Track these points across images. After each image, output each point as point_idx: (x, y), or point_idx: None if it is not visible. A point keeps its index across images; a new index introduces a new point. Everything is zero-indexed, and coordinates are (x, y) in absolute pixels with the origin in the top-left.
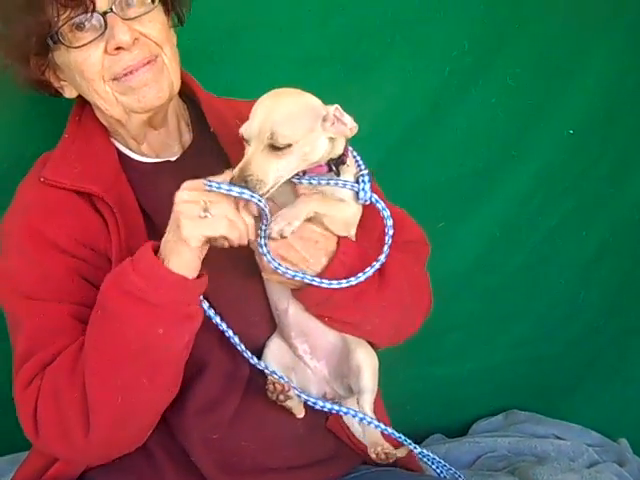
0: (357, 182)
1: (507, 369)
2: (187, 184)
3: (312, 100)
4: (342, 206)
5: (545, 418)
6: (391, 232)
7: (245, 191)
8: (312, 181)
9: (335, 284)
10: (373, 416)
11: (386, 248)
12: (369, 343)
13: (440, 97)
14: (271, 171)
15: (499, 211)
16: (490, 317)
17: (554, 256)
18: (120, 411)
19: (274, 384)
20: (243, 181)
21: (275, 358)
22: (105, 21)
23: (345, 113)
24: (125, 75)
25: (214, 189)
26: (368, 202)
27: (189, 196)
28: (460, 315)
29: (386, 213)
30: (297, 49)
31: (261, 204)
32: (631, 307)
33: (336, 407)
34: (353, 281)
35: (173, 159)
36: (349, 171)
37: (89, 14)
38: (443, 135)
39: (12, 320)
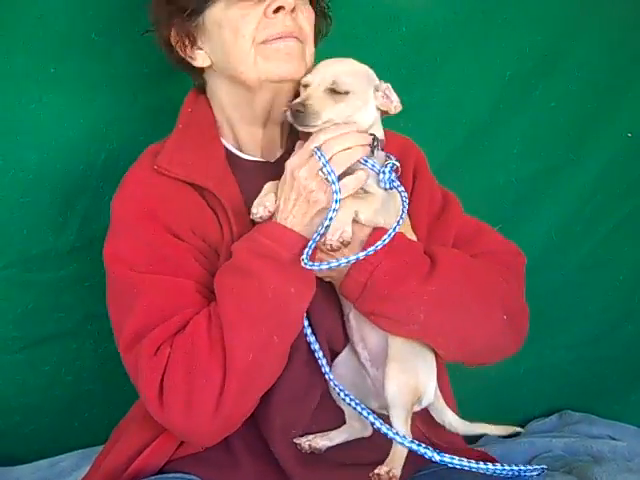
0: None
1: (562, 370)
2: (297, 159)
3: (369, 69)
4: (371, 199)
5: (599, 419)
6: (406, 209)
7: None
8: None
9: (353, 257)
10: (403, 432)
11: (398, 220)
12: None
13: (501, 101)
14: (327, 107)
15: (557, 214)
16: (546, 318)
17: (610, 258)
18: (251, 370)
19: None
20: (302, 106)
21: (343, 368)
22: None
23: (394, 92)
24: (274, 40)
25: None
26: (389, 186)
27: (307, 172)
28: None
29: (404, 195)
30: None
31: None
32: None
33: (378, 422)
34: (370, 250)
35: (272, 160)
36: (377, 160)
37: None
38: (503, 139)
39: (123, 294)
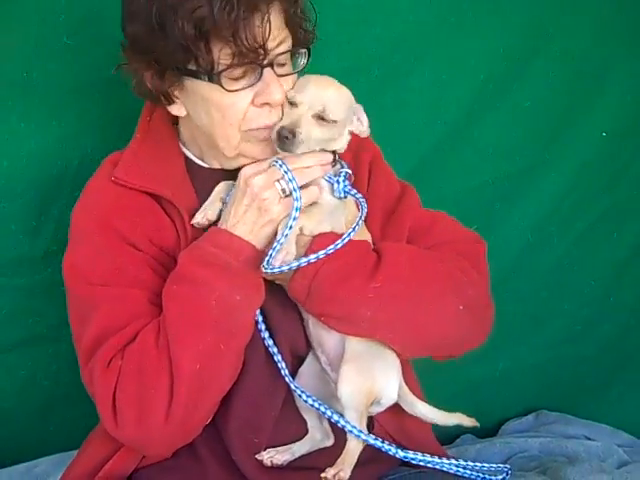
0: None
1: (538, 370)
2: (252, 169)
3: (350, 94)
4: (315, 211)
5: (575, 418)
6: (364, 214)
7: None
8: None
9: (303, 260)
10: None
11: (354, 226)
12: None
13: (475, 102)
14: (314, 135)
15: (532, 214)
16: (522, 318)
17: (586, 258)
18: (199, 378)
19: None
20: (291, 134)
21: (307, 375)
22: (261, 73)
23: (365, 115)
24: (258, 129)
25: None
26: (343, 195)
27: (264, 181)
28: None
29: (362, 201)
30: (334, 59)
31: (330, 179)
32: None
33: (336, 416)
34: (330, 249)
35: (228, 168)
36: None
37: (255, 65)
38: (478, 140)
39: (80, 307)
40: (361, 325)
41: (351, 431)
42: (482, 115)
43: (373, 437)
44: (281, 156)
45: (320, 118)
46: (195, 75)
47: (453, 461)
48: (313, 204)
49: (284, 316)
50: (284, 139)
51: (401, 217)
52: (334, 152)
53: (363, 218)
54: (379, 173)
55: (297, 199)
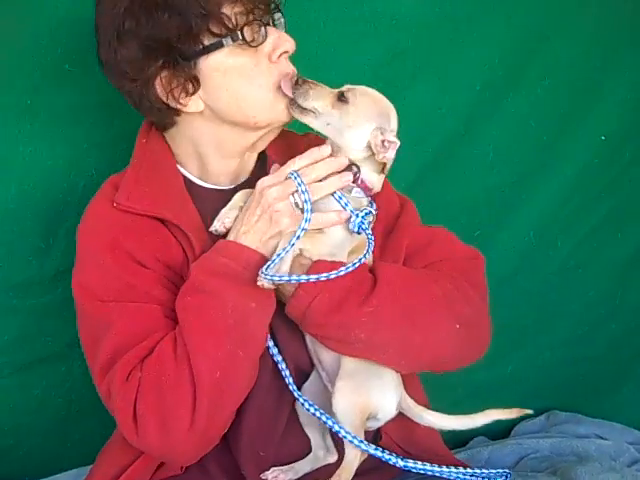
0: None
1: (548, 371)
2: (270, 180)
3: (390, 111)
4: (320, 239)
5: (586, 418)
6: (370, 253)
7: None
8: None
9: (303, 277)
10: (352, 447)
11: (355, 262)
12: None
13: (473, 111)
14: (322, 101)
15: (535, 218)
16: (529, 320)
17: (590, 259)
18: (219, 385)
19: None
20: (304, 83)
21: (311, 392)
22: (266, 32)
23: (394, 150)
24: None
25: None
26: (357, 230)
27: (278, 192)
28: (499, 320)
29: (371, 241)
30: (332, 73)
31: (346, 206)
32: None
33: (337, 426)
34: (332, 274)
35: (226, 187)
36: (359, 202)
37: (260, 24)
38: (478, 147)
39: (94, 326)
40: (356, 346)
41: (351, 441)
42: (480, 124)
43: (374, 447)
44: (297, 169)
45: (340, 96)
46: (215, 47)
47: (453, 469)
48: (321, 231)
49: (289, 333)
50: (296, 85)
51: (399, 235)
52: (353, 165)
53: (364, 259)
54: (379, 192)
55: (306, 214)
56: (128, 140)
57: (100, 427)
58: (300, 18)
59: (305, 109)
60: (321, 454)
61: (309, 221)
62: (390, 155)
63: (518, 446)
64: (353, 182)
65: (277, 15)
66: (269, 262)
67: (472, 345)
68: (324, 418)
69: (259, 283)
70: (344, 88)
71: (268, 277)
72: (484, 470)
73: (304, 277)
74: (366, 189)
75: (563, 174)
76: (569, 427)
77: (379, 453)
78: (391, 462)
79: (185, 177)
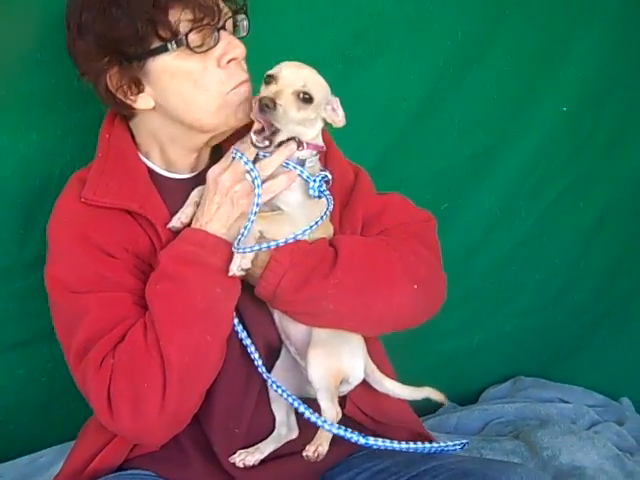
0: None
1: (514, 338)
2: (217, 168)
3: (319, 77)
4: (279, 218)
5: (550, 382)
6: (328, 214)
7: (258, 178)
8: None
9: (265, 245)
10: (330, 409)
11: (314, 223)
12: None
13: (436, 86)
14: (293, 112)
15: (499, 189)
16: (495, 290)
17: (554, 229)
18: (188, 370)
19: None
20: (272, 103)
21: (282, 368)
22: (218, 37)
23: (341, 107)
24: (236, 87)
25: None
26: (317, 194)
27: (232, 176)
28: (466, 290)
29: (331, 202)
30: (296, 52)
31: (302, 173)
32: (632, 272)
33: (308, 412)
34: (298, 234)
35: (188, 176)
36: (313, 170)
37: (212, 28)
38: (442, 122)
39: (68, 317)
40: (325, 317)
41: (315, 422)
42: (444, 98)
43: (337, 426)
44: (240, 147)
45: (298, 96)
46: (162, 50)
47: (412, 444)
48: (279, 212)
49: (257, 311)
50: (264, 107)
51: (355, 206)
52: (295, 138)
53: (326, 217)
54: (333, 162)
55: (257, 189)
56: (85, 137)
57: (83, 404)
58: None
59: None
60: (284, 431)
61: (261, 196)
62: (342, 114)
63: (484, 412)
64: (298, 148)
65: (240, 17)
66: (237, 239)
67: (430, 302)
68: (290, 400)
69: (231, 272)
70: (297, 85)
71: (241, 250)
72: (442, 444)
73: (273, 243)
74: (316, 148)
75: (526, 145)
76: (533, 392)
77: (341, 432)
78: (352, 440)
79: (149, 168)
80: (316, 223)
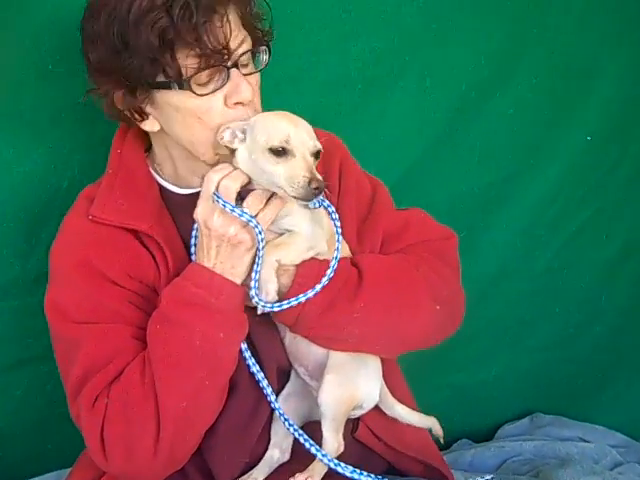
0: None
1: (532, 373)
2: (203, 208)
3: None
4: (294, 240)
5: (570, 421)
6: (340, 233)
7: (251, 219)
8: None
9: (285, 304)
10: (332, 440)
11: (335, 255)
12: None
13: (458, 111)
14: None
15: (520, 219)
16: (514, 322)
17: (575, 260)
18: (185, 415)
19: None
20: (322, 184)
21: (292, 391)
22: (228, 75)
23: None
24: None
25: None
26: (319, 206)
27: (222, 219)
28: (484, 321)
29: (333, 211)
30: (318, 72)
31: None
32: None
33: (314, 449)
34: (319, 287)
35: (199, 189)
36: None
37: (221, 67)
38: (463, 148)
39: (65, 347)
40: (348, 342)
41: (322, 459)
42: (466, 123)
43: (350, 469)
44: (216, 183)
45: (313, 155)
46: (165, 86)
47: None
48: (288, 234)
49: (267, 335)
50: (318, 193)
51: (375, 221)
52: None
53: (341, 237)
54: (350, 175)
55: (255, 229)
56: (111, 141)
57: None
58: (285, 18)
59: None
60: (276, 454)
61: (263, 232)
62: None
63: (501, 449)
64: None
65: (262, 48)
66: (252, 289)
67: (450, 321)
68: (297, 435)
69: (260, 311)
70: (311, 148)
71: (267, 307)
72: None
73: (294, 301)
74: None
75: (549, 175)
76: (552, 430)
77: (340, 469)
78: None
79: (160, 185)
80: (336, 258)
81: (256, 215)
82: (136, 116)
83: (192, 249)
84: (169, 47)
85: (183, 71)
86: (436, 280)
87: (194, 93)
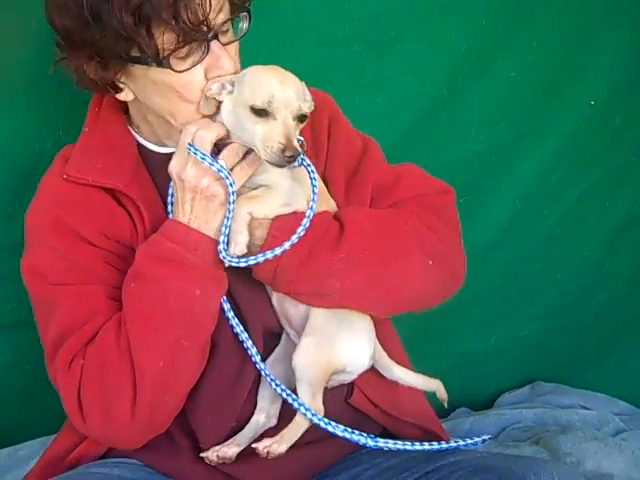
0: None
1: (533, 341)
2: (177, 160)
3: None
4: (269, 194)
5: (571, 389)
6: (317, 190)
7: (222, 169)
8: None
9: (260, 256)
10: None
11: (311, 206)
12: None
13: (458, 74)
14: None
15: (521, 185)
16: (515, 290)
17: (578, 227)
18: (163, 376)
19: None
20: (298, 153)
21: (282, 355)
22: (208, 47)
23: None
24: None
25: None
26: (298, 165)
27: (195, 170)
28: (485, 289)
29: (313, 174)
30: (313, 32)
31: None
32: None
33: (303, 408)
34: (277, 251)
35: None
36: None
37: (202, 40)
38: (463, 111)
39: (43, 309)
40: (332, 297)
41: (318, 424)
42: (466, 86)
43: (342, 428)
44: (193, 135)
45: (297, 118)
46: (141, 61)
47: (426, 445)
48: (263, 188)
49: (252, 294)
50: (291, 161)
51: (364, 176)
52: None
53: (317, 193)
54: (339, 131)
55: (226, 180)
56: (77, 112)
57: None
58: None
59: None
60: (262, 419)
61: (234, 184)
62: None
63: (500, 417)
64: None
65: (242, 14)
66: (220, 244)
67: (447, 281)
68: (290, 400)
69: (226, 263)
70: (295, 109)
71: (233, 263)
72: (460, 441)
73: (269, 254)
74: None
75: (551, 140)
76: (553, 398)
77: (322, 424)
78: (360, 443)
79: (140, 144)
80: (311, 208)
81: (232, 169)
82: (109, 89)
83: (169, 207)
84: (145, 24)
85: (160, 48)
86: (427, 234)
87: (174, 70)
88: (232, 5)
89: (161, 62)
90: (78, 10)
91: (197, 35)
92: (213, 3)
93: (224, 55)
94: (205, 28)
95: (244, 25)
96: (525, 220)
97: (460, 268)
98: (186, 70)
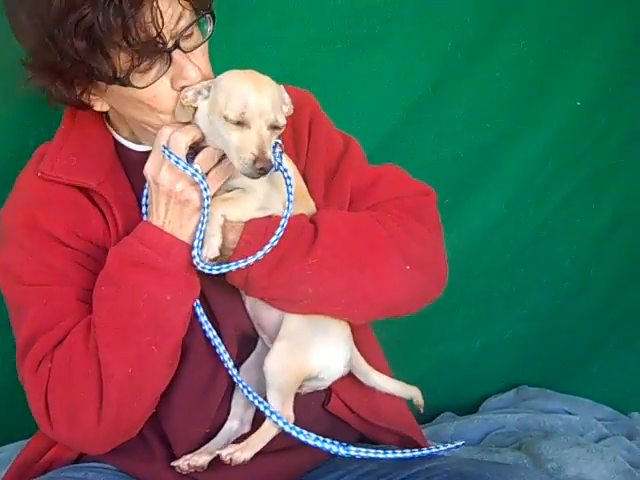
0: None
1: (518, 345)
2: (152, 163)
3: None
4: (244, 199)
5: (555, 393)
6: (291, 197)
7: (195, 173)
8: None
9: (233, 265)
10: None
11: (285, 215)
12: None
13: (443, 72)
14: (274, 145)
15: (506, 186)
16: (499, 293)
17: (564, 230)
18: (130, 382)
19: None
20: (271, 166)
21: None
22: (170, 58)
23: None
24: None
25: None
26: (274, 170)
27: (170, 174)
28: (470, 291)
29: (289, 180)
30: (297, 30)
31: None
32: None
33: (274, 417)
34: (267, 249)
35: None
36: None
37: (159, 55)
38: (447, 111)
39: (15, 309)
40: (304, 302)
41: (291, 434)
42: (451, 85)
43: (313, 437)
44: (168, 137)
45: (273, 127)
46: (104, 80)
47: (390, 453)
48: (238, 190)
49: (226, 298)
50: (262, 173)
51: (343, 176)
52: None
53: (293, 201)
54: (320, 129)
55: (201, 185)
56: (59, 111)
57: None
58: None
59: None
60: (235, 425)
61: (208, 189)
62: (289, 101)
63: (484, 421)
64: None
65: (206, 15)
66: (194, 249)
67: (427, 285)
68: (262, 407)
69: (197, 266)
70: (270, 118)
71: (206, 270)
72: (433, 447)
73: (233, 266)
74: None
75: (537, 141)
76: (538, 402)
77: (319, 443)
78: (332, 451)
79: (117, 142)
80: (285, 217)
81: (207, 173)
82: (80, 104)
83: (144, 209)
84: (98, 47)
85: (118, 68)
86: (405, 238)
87: (135, 87)
88: (193, 9)
89: (122, 80)
90: (36, 34)
91: (153, 50)
92: (166, 17)
93: (188, 64)
94: (160, 42)
95: (209, 28)
96: (510, 222)
97: (441, 271)
98: (150, 84)
